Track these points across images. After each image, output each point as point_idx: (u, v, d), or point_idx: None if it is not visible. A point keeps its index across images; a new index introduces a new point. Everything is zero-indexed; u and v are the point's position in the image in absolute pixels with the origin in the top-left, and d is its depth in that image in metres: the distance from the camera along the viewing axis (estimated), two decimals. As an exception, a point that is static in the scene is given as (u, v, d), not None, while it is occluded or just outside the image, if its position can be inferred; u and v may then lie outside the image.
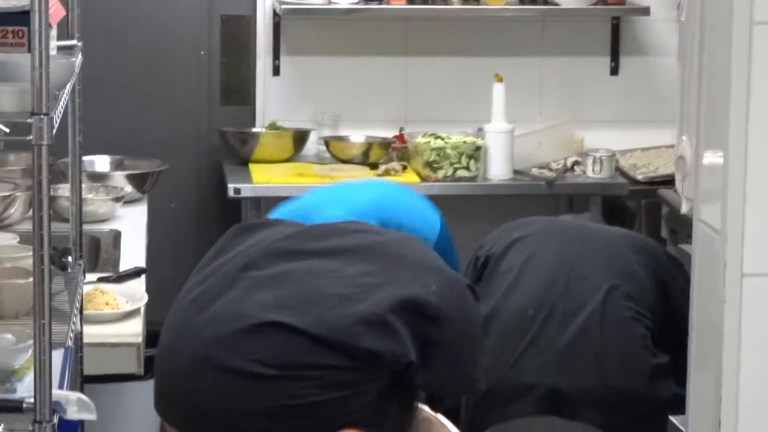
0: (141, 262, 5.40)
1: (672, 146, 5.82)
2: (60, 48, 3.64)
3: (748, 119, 2.95)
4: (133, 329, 4.76)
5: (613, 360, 4.47)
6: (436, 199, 5.62)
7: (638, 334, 4.54)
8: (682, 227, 5.37)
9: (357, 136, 6.34)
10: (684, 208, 3.43)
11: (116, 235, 5.64)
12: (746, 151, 2.97)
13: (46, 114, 3.11)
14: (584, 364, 4.43)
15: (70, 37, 4.01)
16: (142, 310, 4.84)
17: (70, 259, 3.97)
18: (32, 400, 3.22)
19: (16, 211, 4.31)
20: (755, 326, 3.01)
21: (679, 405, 3.61)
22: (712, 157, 3.11)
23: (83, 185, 4.64)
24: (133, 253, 5.51)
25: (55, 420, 3.24)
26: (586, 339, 4.46)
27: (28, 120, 3.12)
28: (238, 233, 1.86)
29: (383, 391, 1.70)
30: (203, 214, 7.07)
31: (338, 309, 1.66)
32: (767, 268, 2.99)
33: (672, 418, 3.68)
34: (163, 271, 5.09)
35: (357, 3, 6.36)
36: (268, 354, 1.66)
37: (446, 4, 6.53)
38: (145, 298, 4.89)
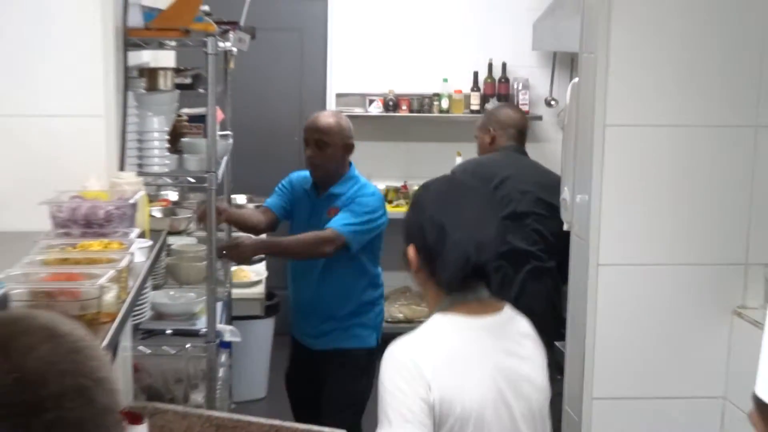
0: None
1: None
2: (221, 135, 3.63)
3: (602, 180, 2.94)
4: (259, 290, 4.80)
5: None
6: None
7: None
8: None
9: (381, 185, 6.28)
10: (565, 227, 3.41)
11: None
12: (601, 196, 2.96)
13: (214, 172, 3.12)
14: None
15: (225, 129, 4.01)
16: (264, 280, 4.85)
17: (225, 252, 3.95)
18: (205, 329, 3.22)
19: (193, 225, 4.27)
20: (605, 292, 3.01)
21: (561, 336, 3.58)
22: (581, 199, 3.09)
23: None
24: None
25: (217, 341, 3.25)
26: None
27: (204, 175, 3.12)
28: None
29: None
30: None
31: None
32: (612, 261, 2.98)
33: (557, 343, 3.66)
34: (275, 259, 5.07)
35: (381, 112, 6.33)
36: None
37: (431, 113, 6.50)
38: (266, 273, 4.90)
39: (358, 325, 3.96)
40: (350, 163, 4.09)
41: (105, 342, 1.79)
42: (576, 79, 3.24)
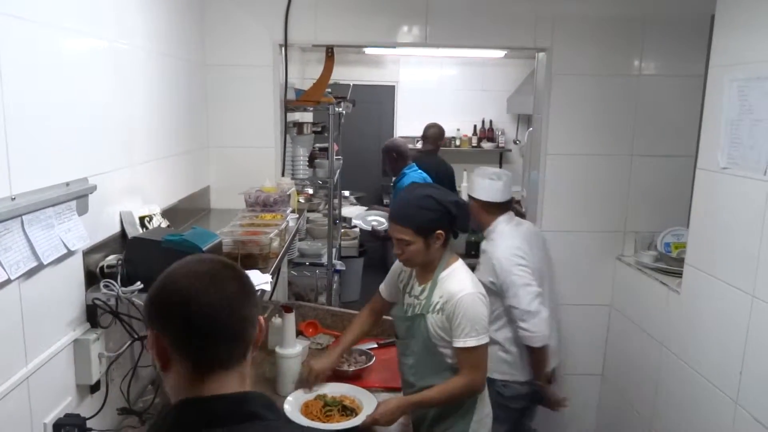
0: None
1: (518, 191, 5.67)
2: (336, 158, 3.60)
3: (544, 184, 2.87)
4: (355, 242, 4.75)
5: None
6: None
7: None
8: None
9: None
10: (523, 210, 3.34)
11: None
12: (543, 193, 2.90)
13: (331, 178, 3.11)
14: None
15: (338, 155, 3.99)
16: (358, 237, 4.80)
17: (337, 222, 3.93)
18: (326, 262, 3.22)
19: (320, 206, 4.27)
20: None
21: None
22: (532, 194, 3.03)
23: (340, 199, 4.63)
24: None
25: (333, 269, 3.22)
26: None
27: (327, 179, 3.12)
28: None
29: None
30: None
31: None
32: (548, 228, 2.91)
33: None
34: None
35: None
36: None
37: (450, 147, 6.38)
38: (359, 233, 4.85)
39: None
40: (408, 165, 4.01)
41: (272, 268, 1.81)
42: (531, 129, 3.18)
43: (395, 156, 4.03)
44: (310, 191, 4.26)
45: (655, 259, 2.72)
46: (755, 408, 1.90)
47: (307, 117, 4.03)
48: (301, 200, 3.62)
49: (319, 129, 3.46)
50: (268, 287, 1.62)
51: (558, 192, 2.90)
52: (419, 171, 3.99)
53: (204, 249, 1.53)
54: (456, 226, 1.91)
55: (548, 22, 2.74)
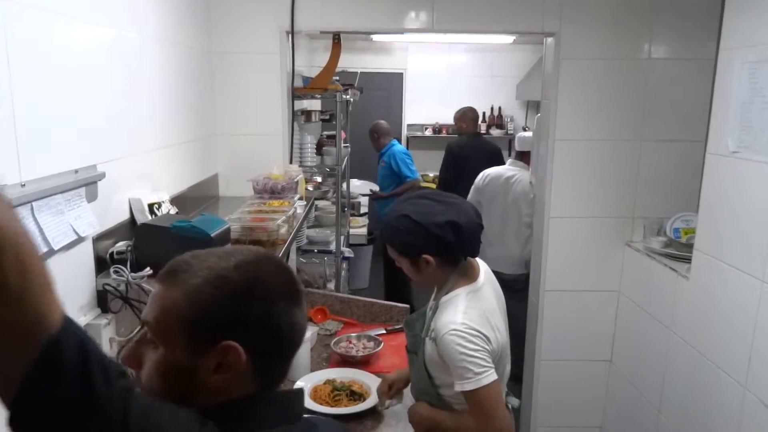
0: (365, 209, 5.33)
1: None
2: (344, 146, 3.62)
3: (553, 170, 2.86)
4: (364, 230, 4.72)
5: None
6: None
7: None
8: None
9: (431, 173, 6.14)
10: (532, 195, 3.33)
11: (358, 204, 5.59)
12: (552, 178, 2.88)
13: (340, 165, 3.12)
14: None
15: (346, 142, 3.99)
16: (366, 224, 4.81)
17: (346, 209, 3.95)
18: (334, 250, 3.24)
19: (328, 194, 4.27)
20: (554, 232, 2.93)
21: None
22: (541, 180, 3.02)
23: (348, 187, 4.64)
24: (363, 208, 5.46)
25: (341, 256, 3.24)
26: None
27: (335, 167, 3.13)
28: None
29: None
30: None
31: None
32: (557, 215, 2.90)
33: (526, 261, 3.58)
34: (373, 211, 5.06)
35: (431, 134, 6.19)
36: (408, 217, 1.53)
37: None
38: (367, 221, 4.86)
39: None
40: (391, 140, 4.94)
41: (281, 253, 1.83)
42: (539, 115, 3.16)
43: (376, 135, 4.90)
44: (319, 179, 4.27)
45: (664, 245, 2.71)
46: (764, 393, 1.89)
47: (314, 104, 4.03)
48: (310, 188, 3.63)
49: (327, 116, 3.46)
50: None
51: (567, 177, 2.89)
52: (398, 145, 4.89)
53: (212, 235, 1.54)
54: (456, 250, 1.57)
55: (556, 6, 2.71)
